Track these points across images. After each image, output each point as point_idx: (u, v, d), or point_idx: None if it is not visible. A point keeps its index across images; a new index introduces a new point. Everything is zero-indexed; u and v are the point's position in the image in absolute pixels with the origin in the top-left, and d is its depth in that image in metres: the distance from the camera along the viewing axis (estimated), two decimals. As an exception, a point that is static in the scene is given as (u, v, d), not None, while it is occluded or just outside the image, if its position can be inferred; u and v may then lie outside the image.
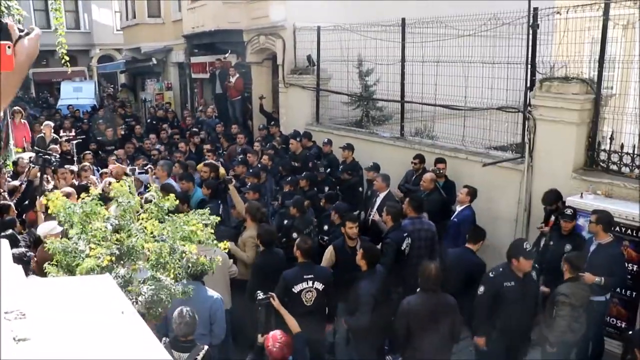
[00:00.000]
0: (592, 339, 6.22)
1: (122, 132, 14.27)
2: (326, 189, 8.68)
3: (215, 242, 4.52)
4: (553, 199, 7.13)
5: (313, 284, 5.56)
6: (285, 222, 7.63)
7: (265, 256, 6.12)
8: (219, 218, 4.73)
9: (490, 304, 5.48)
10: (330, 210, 7.53)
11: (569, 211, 6.52)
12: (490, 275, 5.56)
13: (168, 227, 4.34)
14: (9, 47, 1.30)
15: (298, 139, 10.82)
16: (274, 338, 4.53)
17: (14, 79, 1.40)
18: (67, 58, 9.80)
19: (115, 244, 4.08)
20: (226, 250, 4.96)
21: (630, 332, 5.04)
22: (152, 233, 4.22)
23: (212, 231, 4.56)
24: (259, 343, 4.89)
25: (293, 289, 5.52)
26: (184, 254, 4.20)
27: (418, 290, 5.33)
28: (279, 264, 6.11)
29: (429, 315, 5.13)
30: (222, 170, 9.49)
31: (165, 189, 8.02)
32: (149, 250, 4.11)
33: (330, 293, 5.75)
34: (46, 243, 4.19)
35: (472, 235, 6.44)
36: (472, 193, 7.66)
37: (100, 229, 4.12)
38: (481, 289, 5.51)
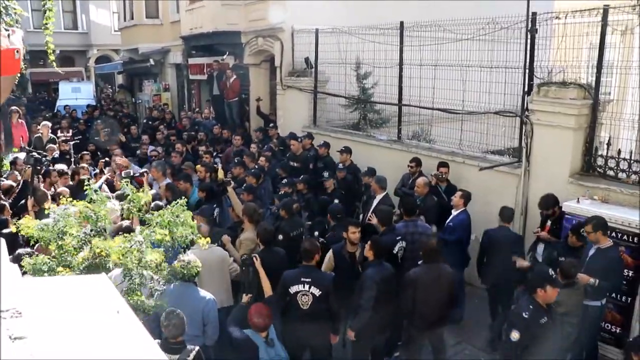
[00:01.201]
0: (586, 344, 6.21)
1: (123, 139, 14.19)
2: (336, 200, 8.32)
3: (194, 235, 4.57)
4: (550, 203, 7.13)
5: (309, 288, 5.51)
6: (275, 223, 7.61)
7: (265, 254, 6.11)
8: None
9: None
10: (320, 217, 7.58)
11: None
12: (524, 315, 4.89)
13: (141, 232, 4.37)
14: (17, 52, 1.29)
15: (299, 140, 10.85)
16: (256, 310, 4.84)
17: (5, 83, 1.39)
18: (53, 58, 9.79)
19: (85, 262, 4.07)
20: (206, 247, 5.13)
21: (630, 340, 4.94)
22: (122, 248, 4.19)
23: (192, 229, 4.58)
24: (242, 302, 5.42)
25: (290, 289, 5.54)
26: (151, 263, 4.17)
27: (420, 262, 6.09)
28: (279, 263, 6.10)
29: (432, 283, 5.84)
30: (220, 173, 9.49)
31: (170, 189, 8.07)
32: (117, 262, 4.08)
33: (331, 300, 5.66)
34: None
35: (504, 214, 7.11)
36: (466, 197, 7.68)
37: (70, 244, 4.12)
38: (515, 335, 4.85)
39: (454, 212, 7.71)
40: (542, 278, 4.99)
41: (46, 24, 8.99)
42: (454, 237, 7.46)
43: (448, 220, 7.74)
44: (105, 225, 4.44)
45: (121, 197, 6.04)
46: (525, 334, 4.83)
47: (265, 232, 6.42)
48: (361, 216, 8.79)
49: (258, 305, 4.99)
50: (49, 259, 4.06)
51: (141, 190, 5.34)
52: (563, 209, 7.04)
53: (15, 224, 4.69)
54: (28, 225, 4.15)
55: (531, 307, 4.91)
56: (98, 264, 4.03)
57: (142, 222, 4.93)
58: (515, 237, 7.26)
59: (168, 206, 4.80)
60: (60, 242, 4.10)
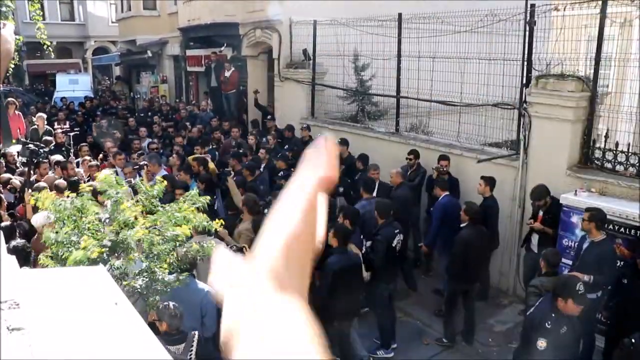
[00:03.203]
0: (583, 335, 6.23)
1: (118, 135, 14.11)
2: (340, 189, 8.37)
3: (209, 223, 4.56)
4: (541, 194, 7.18)
5: None
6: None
7: None
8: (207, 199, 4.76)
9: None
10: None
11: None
12: (547, 326, 4.77)
13: (160, 216, 4.36)
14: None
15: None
16: None
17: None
18: (49, 43, 9.79)
19: (108, 236, 4.06)
20: (220, 228, 5.11)
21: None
22: (144, 224, 4.20)
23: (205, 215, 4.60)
24: None
25: None
26: (178, 238, 4.19)
27: (465, 224, 6.87)
28: None
29: (480, 242, 6.85)
30: (211, 165, 9.46)
31: (168, 180, 8.06)
32: (140, 241, 4.09)
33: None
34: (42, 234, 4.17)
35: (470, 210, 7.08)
36: (444, 187, 7.97)
37: (94, 222, 4.10)
38: (542, 343, 4.70)
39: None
40: (568, 291, 4.79)
41: (40, 14, 8.96)
42: (435, 216, 7.86)
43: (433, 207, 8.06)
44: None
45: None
46: (552, 344, 4.68)
47: (260, 224, 6.42)
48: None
49: None
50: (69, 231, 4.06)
51: (141, 181, 5.33)
52: (561, 201, 7.06)
53: (33, 195, 4.64)
54: (44, 201, 4.13)
55: (553, 315, 4.78)
56: (121, 240, 4.03)
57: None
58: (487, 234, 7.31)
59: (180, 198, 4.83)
60: (77, 222, 4.09)
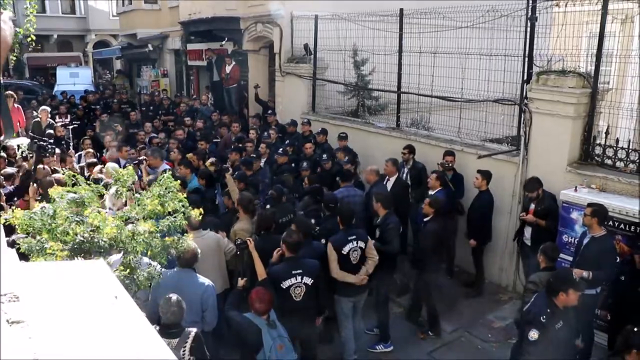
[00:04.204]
0: (582, 331, 6.26)
1: (119, 128, 14.10)
2: (337, 178, 8.39)
3: (186, 209, 4.52)
4: (535, 186, 7.23)
5: (302, 279, 5.46)
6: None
7: (264, 240, 6.11)
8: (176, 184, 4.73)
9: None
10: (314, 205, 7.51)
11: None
12: (542, 320, 4.76)
13: (132, 209, 4.37)
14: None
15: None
16: (257, 295, 4.85)
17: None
18: (33, 37, 9.86)
19: (79, 237, 4.02)
20: (199, 218, 5.02)
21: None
22: (114, 220, 4.17)
23: (183, 201, 4.55)
24: (238, 286, 5.52)
25: (282, 285, 5.43)
26: (146, 234, 4.15)
27: (431, 217, 6.99)
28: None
29: (445, 232, 7.16)
30: (208, 163, 9.40)
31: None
32: (113, 239, 4.05)
33: (321, 286, 5.69)
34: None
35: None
36: (441, 177, 8.06)
37: (65, 225, 4.07)
38: (534, 335, 4.72)
39: (431, 193, 7.95)
40: (565, 281, 4.86)
41: (35, 7, 8.98)
42: None
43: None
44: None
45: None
46: (541, 337, 4.71)
47: (264, 219, 6.43)
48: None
49: (258, 290, 4.99)
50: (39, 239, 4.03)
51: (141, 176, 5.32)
52: (560, 197, 7.08)
53: (1, 216, 4.63)
54: (16, 216, 4.11)
55: (549, 310, 4.78)
56: (91, 240, 4.00)
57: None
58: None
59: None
60: (51, 226, 4.06)
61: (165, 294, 4.50)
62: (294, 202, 7.75)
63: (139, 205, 4.41)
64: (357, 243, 6.21)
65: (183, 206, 4.48)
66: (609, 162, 7.22)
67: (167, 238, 4.37)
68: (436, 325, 7.28)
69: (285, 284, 5.45)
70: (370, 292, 6.73)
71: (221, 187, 8.75)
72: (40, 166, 8.22)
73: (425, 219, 7.15)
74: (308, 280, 5.50)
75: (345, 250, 6.12)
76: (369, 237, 6.42)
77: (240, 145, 10.34)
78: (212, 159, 9.33)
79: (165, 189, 4.46)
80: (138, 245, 4.07)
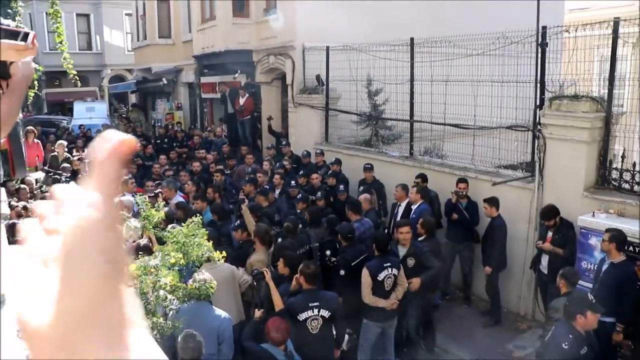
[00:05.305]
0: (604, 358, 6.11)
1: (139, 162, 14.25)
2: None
3: (212, 253, 4.57)
4: (551, 214, 7.14)
5: (319, 312, 5.42)
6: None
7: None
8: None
9: None
10: (329, 236, 7.56)
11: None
12: (564, 347, 4.56)
13: (155, 258, 4.39)
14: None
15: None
16: (274, 324, 4.84)
17: (15, 98, 1.41)
18: (75, 72, 9.97)
19: None
20: (222, 260, 5.19)
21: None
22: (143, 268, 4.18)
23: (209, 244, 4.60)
24: (255, 317, 5.51)
25: (298, 317, 5.39)
26: (165, 286, 4.16)
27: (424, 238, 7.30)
28: None
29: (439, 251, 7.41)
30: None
31: (181, 207, 8.08)
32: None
33: (338, 319, 5.65)
34: None
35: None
36: (423, 190, 8.43)
37: None
38: None
39: (414, 207, 8.34)
40: (581, 304, 4.71)
41: (59, 45, 9.18)
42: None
43: (412, 212, 8.28)
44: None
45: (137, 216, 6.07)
46: None
47: (284, 249, 6.46)
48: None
49: (275, 320, 4.96)
50: None
51: (157, 206, 5.34)
52: (578, 223, 6.99)
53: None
54: None
55: (571, 336, 4.59)
56: None
57: (159, 239, 4.94)
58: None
59: (182, 224, 4.80)
60: None
61: (183, 326, 4.48)
62: (308, 234, 7.72)
63: (163, 248, 4.42)
64: (391, 270, 6.30)
65: (208, 250, 4.53)
66: (627, 186, 7.14)
67: (190, 284, 4.38)
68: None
69: (302, 316, 5.40)
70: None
71: (237, 219, 8.74)
72: None
73: (419, 239, 7.39)
74: (325, 313, 5.45)
75: (381, 277, 6.22)
76: (401, 265, 6.48)
77: (253, 176, 10.37)
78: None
79: (192, 235, 4.49)
80: (158, 299, 4.08)
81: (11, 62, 1.37)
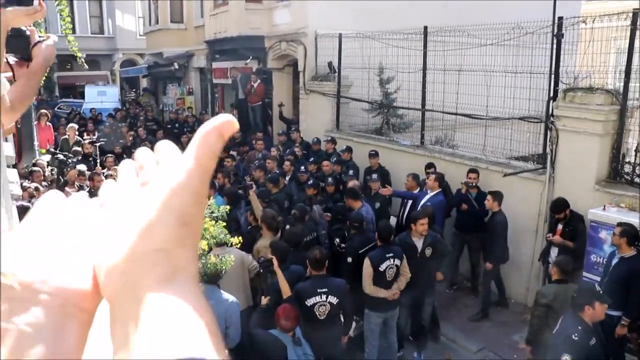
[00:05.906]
0: (612, 354, 6.09)
1: (131, 139, 14.28)
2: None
3: (227, 236, 4.57)
4: (561, 207, 7.11)
5: (327, 298, 5.43)
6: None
7: (293, 257, 6.12)
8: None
9: None
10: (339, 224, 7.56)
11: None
12: (574, 338, 4.55)
13: None
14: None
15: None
16: (283, 312, 4.84)
17: (34, 81, 1.41)
18: (81, 55, 9.98)
19: None
20: (238, 245, 5.19)
21: None
22: None
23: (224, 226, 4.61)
24: (262, 304, 5.48)
25: (306, 302, 5.41)
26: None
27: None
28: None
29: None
30: None
31: None
32: None
33: (346, 305, 5.67)
34: None
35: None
36: (440, 179, 8.19)
37: None
38: (567, 358, 4.45)
39: (430, 194, 8.10)
40: (589, 295, 4.74)
41: (70, 28, 9.17)
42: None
43: (425, 201, 8.04)
44: None
45: None
46: (576, 358, 4.47)
47: (294, 234, 6.44)
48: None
49: (285, 307, 4.97)
50: None
51: None
52: (589, 217, 6.95)
53: None
54: None
55: (580, 327, 4.60)
56: None
57: None
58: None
59: None
60: None
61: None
62: (316, 221, 7.72)
63: None
64: (394, 261, 6.25)
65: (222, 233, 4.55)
66: (639, 180, 7.08)
67: (212, 258, 4.41)
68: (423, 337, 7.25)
69: (310, 301, 5.41)
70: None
71: (246, 204, 8.75)
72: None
73: None
74: (333, 300, 5.46)
75: (382, 267, 6.18)
76: (404, 255, 6.43)
77: (263, 162, 10.38)
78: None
79: (211, 212, 4.52)
80: None
81: (34, 45, 1.38)
